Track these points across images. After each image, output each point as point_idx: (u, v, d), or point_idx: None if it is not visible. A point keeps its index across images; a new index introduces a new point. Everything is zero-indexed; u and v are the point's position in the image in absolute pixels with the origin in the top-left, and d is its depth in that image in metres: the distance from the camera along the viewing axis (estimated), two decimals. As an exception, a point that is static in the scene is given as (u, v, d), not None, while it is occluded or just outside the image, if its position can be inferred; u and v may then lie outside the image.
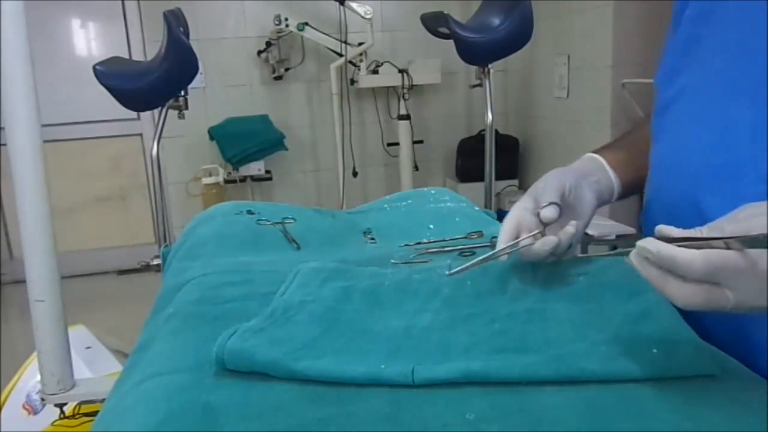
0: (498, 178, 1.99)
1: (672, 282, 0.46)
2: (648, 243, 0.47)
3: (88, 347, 1.76)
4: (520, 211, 0.69)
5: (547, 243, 0.66)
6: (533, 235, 0.67)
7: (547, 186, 0.69)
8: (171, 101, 1.60)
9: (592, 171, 0.75)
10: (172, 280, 0.89)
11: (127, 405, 0.56)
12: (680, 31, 0.70)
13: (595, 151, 0.79)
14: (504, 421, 0.49)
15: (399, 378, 0.54)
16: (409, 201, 1.27)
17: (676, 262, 0.45)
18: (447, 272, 0.65)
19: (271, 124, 3.50)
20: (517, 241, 0.67)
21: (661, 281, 0.47)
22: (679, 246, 0.46)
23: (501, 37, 1.66)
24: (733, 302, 0.45)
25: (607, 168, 0.76)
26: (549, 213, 0.66)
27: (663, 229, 0.50)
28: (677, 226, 0.55)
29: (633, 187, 0.79)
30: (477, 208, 1.21)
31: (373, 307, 0.68)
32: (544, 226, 0.67)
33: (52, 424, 1.44)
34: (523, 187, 3.64)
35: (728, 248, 0.45)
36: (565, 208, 0.69)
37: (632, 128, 0.87)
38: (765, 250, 0.44)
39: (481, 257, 0.65)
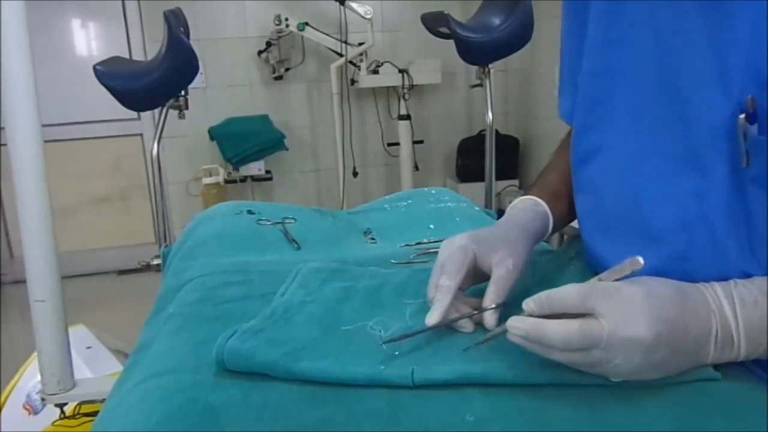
0: (498, 178, 1.99)
1: (552, 351, 0.50)
2: (515, 327, 0.51)
3: (88, 347, 1.76)
4: (459, 252, 0.65)
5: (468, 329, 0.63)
6: (470, 315, 0.63)
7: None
8: (171, 101, 1.60)
9: (542, 231, 0.73)
10: (172, 280, 0.89)
11: (127, 405, 0.56)
12: (582, 88, 0.70)
13: (544, 195, 0.76)
14: (504, 423, 0.49)
15: (398, 379, 0.54)
16: (410, 201, 1.27)
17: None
18: (381, 342, 0.60)
19: (271, 124, 3.50)
20: (458, 317, 0.62)
21: (542, 350, 0.51)
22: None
23: (501, 37, 1.66)
24: (608, 330, 0.48)
25: (550, 225, 0.75)
26: (492, 321, 0.62)
27: (513, 323, 0.52)
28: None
29: (566, 218, 0.79)
30: (477, 208, 1.21)
31: (373, 308, 0.68)
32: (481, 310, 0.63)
33: (52, 424, 1.44)
34: (523, 187, 3.64)
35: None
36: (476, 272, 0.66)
37: (557, 153, 0.87)
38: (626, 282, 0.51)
39: (417, 331, 0.60)
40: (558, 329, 0.49)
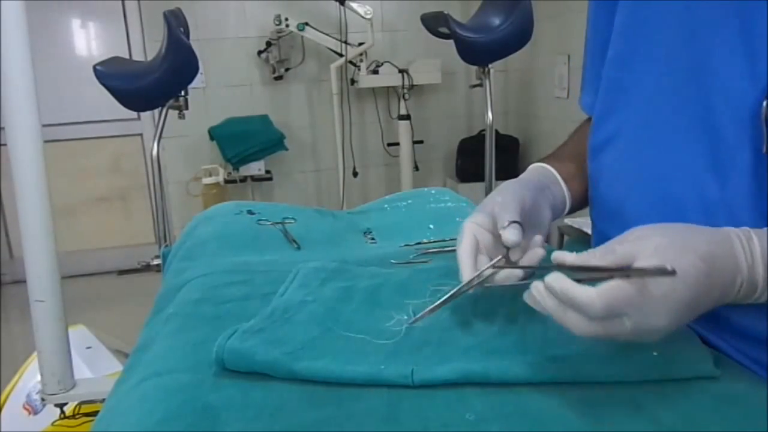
0: (498, 178, 1.99)
1: (570, 314, 0.48)
2: (554, 281, 0.48)
3: (88, 347, 1.76)
4: (475, 228, 0.64)
5: (511, 277, 0.61)
6: (496, 262, 0.62)
7: (506, 203, 0.64)
8: (171, 101, 1.61)
9: (547, 183, 0.73)
10: (172, 280, 0.89)
11: (127, 405, 0.56)
12: (605, 75, 0.70)
13: (543, 160, 0.77)
14: (503, 422, 0.49)
15: (398, 379, 0.54)
16: (409, 201, 1.27)
17: (576, 301, 0.47)
18: (407, 324, 0.61)
19: (271, 124, 3.50)
20: (479, 272, 0.61)
21: (559, 313, 0.48)
22: (577, 277, 0.48)
23: (501, 37, 1.66)
24: (630, 328, 0.47)
25: (560, 180, 0.74)
26: (513, 236, 0.60)
27: (558, 256, 0.51)
28: None
29: (582, 201, 0.78)
30: (477, 208, 1.21)
31: (374, 308, 0.68)
32: (507, 249, 0.62)
33: (52, 424, 1.44)
34: (523, 187, 3.64)
35: (622, 278, 0.47)
36: (525, 225, 0.64)
37: (574, 133, 0.85)
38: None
39: (442, 299, 0.61)
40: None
